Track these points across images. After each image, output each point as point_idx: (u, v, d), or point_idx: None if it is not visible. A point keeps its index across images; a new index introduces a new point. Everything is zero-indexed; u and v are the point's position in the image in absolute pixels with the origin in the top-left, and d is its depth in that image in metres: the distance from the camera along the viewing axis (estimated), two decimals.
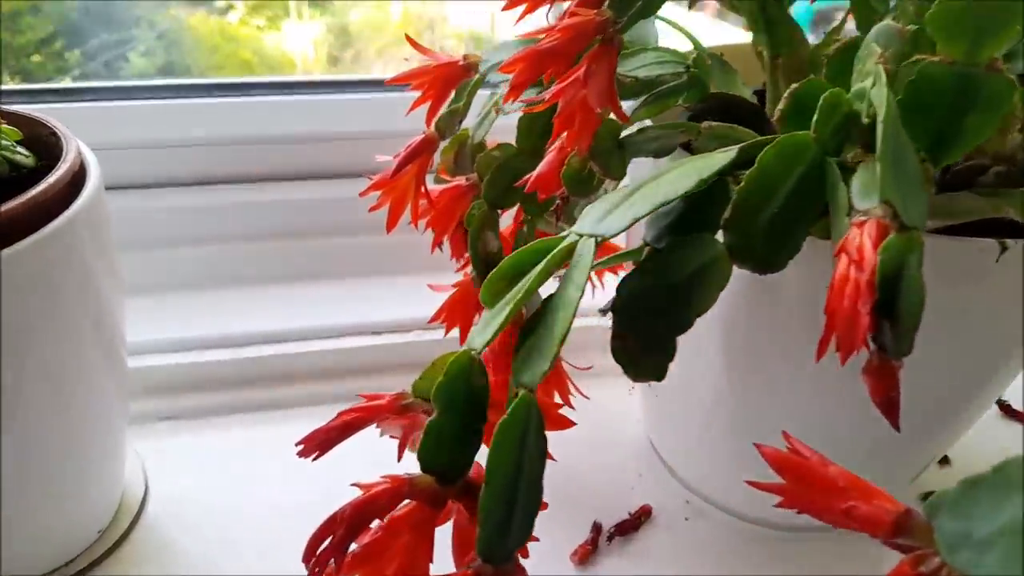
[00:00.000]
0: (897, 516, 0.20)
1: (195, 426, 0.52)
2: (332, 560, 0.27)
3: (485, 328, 0.27)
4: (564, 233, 0.27)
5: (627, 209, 0.26)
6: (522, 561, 0.27)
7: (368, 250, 0.61)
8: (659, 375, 0.27)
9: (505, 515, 0.25)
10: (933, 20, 0.25)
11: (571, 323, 0.24)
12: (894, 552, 0.21)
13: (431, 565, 0.27)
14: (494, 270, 0.28)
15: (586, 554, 0.45)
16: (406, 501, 0.27)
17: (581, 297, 0.25)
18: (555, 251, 0.26)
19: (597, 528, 0.47)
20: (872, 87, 0.25)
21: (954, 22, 0.25)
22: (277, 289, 0.60)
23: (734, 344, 0.39)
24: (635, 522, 0.48)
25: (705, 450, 0.47)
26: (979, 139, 0.27)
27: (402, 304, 0.58)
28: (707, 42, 0.45)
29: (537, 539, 0.28)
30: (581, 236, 0.26)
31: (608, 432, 0.54)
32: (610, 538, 0.46)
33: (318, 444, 0.31)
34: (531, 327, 0.27)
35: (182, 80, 0.59)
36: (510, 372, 0.30)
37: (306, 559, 0.26)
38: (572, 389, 0.48)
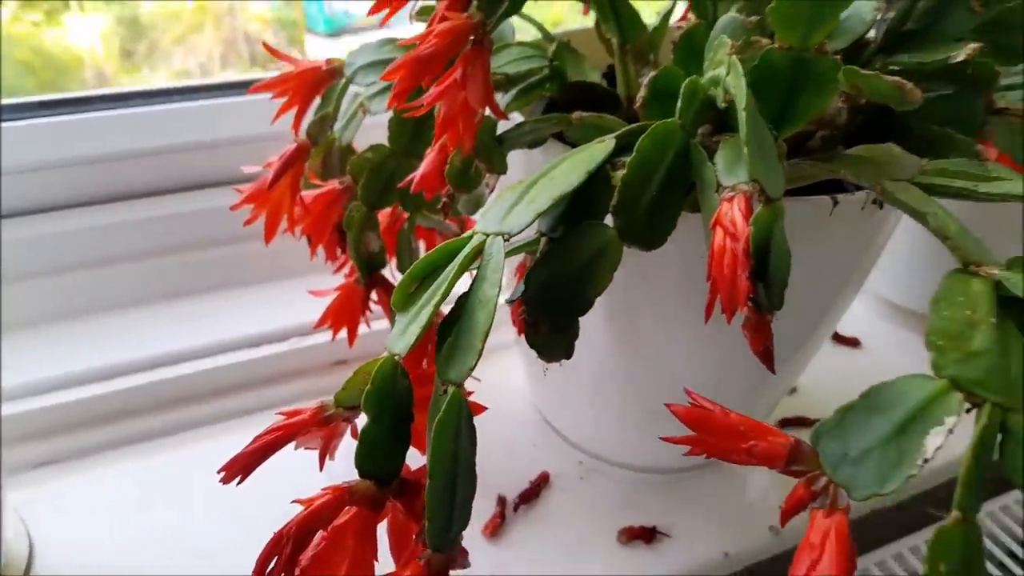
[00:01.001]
0: (789, 448, 0.24)
1: (77, 468, 0.49)
2: None
3: (405, 332, 0.28)
4: (468, 233, 0.29)
5: (528, 205, 0.28)
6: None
7: (242, 259, 0.59)
8: (568, 354, 0.30)
9: (448, 507, 0.26)
10: (775, 13, 0.29)
11: (492, 320, 0.26)
12: (755, 474, 0.24)
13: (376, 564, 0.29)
14: (405, 274, 0.29)
15: (496, 526, 0.48)
16: (347, 508, 0.28)
17: (499, 294, 0.26)
18: (466, 251, 0.28)
19: (502, 501, 0.49)
20: (728, 75, 0.29)
21: (792, 15, 0.29)
22: (152, 310, 0.57)
23: (615, 314, 0.42)
24: (536, 489, 0.50)
25: (592, 413, 0.51)
26: (814, 112, 0.32)
27: (285, 310, 0.57)
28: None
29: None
30: (488, 235, 0.28)
31: (499, 408, 0.56)
32: (515, 507, 0.49)
33: (240, 468, 0.30)
34: (450, 325, 0.28)
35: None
36: (423, 373, 0.31)
37: None
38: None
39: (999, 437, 0.23)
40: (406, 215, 0.45)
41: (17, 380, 0.50)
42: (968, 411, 0.23)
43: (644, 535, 0.48)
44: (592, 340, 0.44)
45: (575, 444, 0.53)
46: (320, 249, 0.47)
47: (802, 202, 0.36)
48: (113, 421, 0.51)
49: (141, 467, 0.50)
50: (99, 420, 0.50)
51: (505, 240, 0.28)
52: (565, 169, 0.29)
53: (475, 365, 0.26)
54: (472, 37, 0.32)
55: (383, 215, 0.46)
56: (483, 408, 0.37)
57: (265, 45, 0.41)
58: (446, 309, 0.29)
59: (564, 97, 0.44)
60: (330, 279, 0.49)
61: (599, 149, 0.30)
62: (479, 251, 0.28)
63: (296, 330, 0.56)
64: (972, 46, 0.34)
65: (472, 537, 0.47)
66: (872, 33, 0.39)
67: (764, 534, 0.49)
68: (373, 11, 0.36)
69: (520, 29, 0.44)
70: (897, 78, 0.29)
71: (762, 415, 0.53)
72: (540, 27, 0.46)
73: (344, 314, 0.47)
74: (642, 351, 0.44)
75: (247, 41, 0.99)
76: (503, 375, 0.59)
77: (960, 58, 0.34)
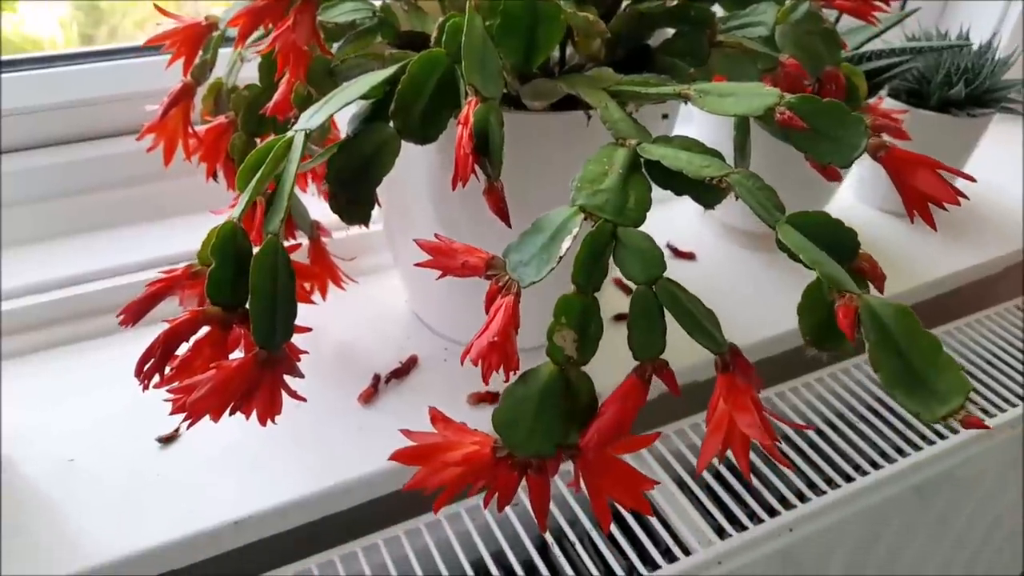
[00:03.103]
0: (488, 260, 0.35)
1: (29, 360, 0.60)
2: (156, 375, 0.38)
3: (240, 203, 0.39)
4: (285, 134, 0.40)
5: (325, 109, 0.39)
6: (318, 406, 0.40)
7: (153, 197, 0.70)
8: (364, 220, 0.41)
9: (270, 317, 0.38)
10: None
11: (293, 186, 0.38)
12: None
13: None
14: (242, 164, 0.40)
15: (370, 395, 0.59)
16: (204, 329, 0.39)
17: (296, 170, 0.38)
18: (278, 145, 0.39)
19: (376, 377, 0.61)
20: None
21: None
22: (84, 239, 0.68)
23: (441, 215, 0.53)
24: (406, 368, 0.62)
25: (451, 304, 0.62)
26: (551, 44, 0.43)
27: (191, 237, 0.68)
28: None
29: (306, 352, 0.42)
30: (296, 132, 0.39)
31: (381, 313, 0.68)
32: (387, 380, 0.61)
33: (133, 313, 0.42)
34: (270, 199, 0.39)
35: None
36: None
37: (136, 374, 0.38)
38: (344, 277, 0.62)
39: (613, 244, 0.35)
40: None
41: None
42: (593, 226, 0.35)
43: (489, 398, 0.60)
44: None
45: (440, 334, 0.65)
46: (213, 181, 0.57)
47: (566, 115, 0.47)
48: (55, 324, 0.62)
49: (81, 361, 0.61)
50: (44, 324, 0.61)
51: (308, 135, 0.39)
52: (356, 84, 0.40)
53: (284, 218, 0.38)
54: None
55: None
56: (319, 273, 0.49)
57: (156, 6, 0.51)
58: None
59: (401, 44, 0.55)
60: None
61: (384, 72, 0.41)
62: (289, 144, 0.39)
63: None
64: None
65: (349, 404, 0.59)
66: None
67: None
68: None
69: None
70: (587, 15, 0.41)
71: None
72: None
73: None
74: (468, 235, 0.56)
75: None
76: (387, 291, 0.70)
77: (674, 3, 0.46)
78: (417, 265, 0.37)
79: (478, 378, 0.64)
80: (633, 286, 0.35)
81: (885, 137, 0.38)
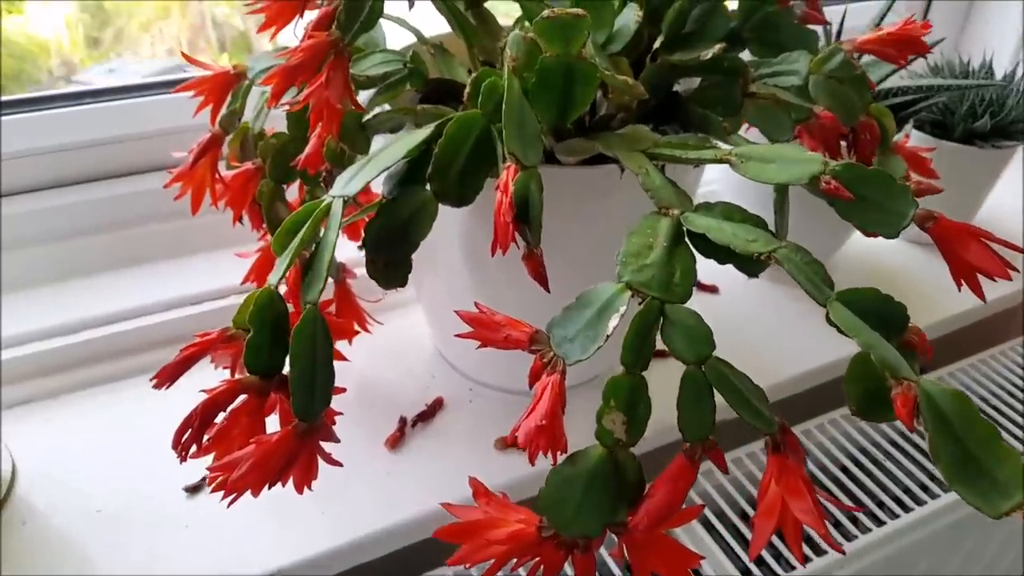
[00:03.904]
0: (531, 334, 0.35)
1: (52, 405, 0.60)
2: (193, 445, 0.38)
3: (277, 269, 0.39)
4: (323, 198, 0.40)
5: (363, 175, 0.39)
6: (345, 452, 0.40)
7: (180, 233, 0.70)
8: (402, 283, 0.41)
9: (309, 388, 0.37)
10: (537, 28, 0.40)
11: (332, 256, 0.37)
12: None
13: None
14: (279, 228, 0.40)
15: (396, 440, 0.59)
16: (241, 396, 0.39)
17: (336, 239, 0.37)
18: (317, 210, 0.39)
19: (403, 420, 0.61)
20: (505, 76, 0.40)
21: (549, 30, 0.40)
22: (109, 277, 0.68)
23: (471, 264, 0.53)
24: (432, 411, 0.62)
25: (473, 347, 0.62)
26: (586, 102, 0.43)
27: (218, 275, 0.68)
28: (435, 30, 0.58)
29: (341, 413, 0.42)
30: (334, 198, 0.39)
31: (405, 350, 0.68)
32: (413, 424, 0.60)
33: (168, 376, 0.41)
34: (309, 264, 0.39)
35: None
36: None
37: (174, 446, 0.38)
38: (369, 319, 0.61)
39: (661, 321, 0.34)
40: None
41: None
42: (640, 304, 0.34)
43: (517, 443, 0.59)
44: (465, 284, 0.55)
45: (465, 374, 0.65)
46: (248, 222, 0.57)
47: (596, 169, 0.47)
48: (81, 367, 0.62)
49: (104, 405, 0.61)
50: (70, 366, 0.61)
51: (346, 202, 0.39)
52: (392, 148, 0.40)
53: (323, 289, 0.37)
54: (332, 50, 0.43)
55: (294, 188, 0.57)
56: (355, 332, 0.49)
57: (184, 55, 0.51)
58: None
59: (430, 92, 0.54)
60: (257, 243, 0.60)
61: (420, 133, 0.41)
62: (328, 210, 0.39)
63: (232, 289, 0.67)
64: (717, 47, 0.46)
65: (375, 447, 0.59)
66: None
67: None
68: (261, 30, 0.46)
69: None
70: (624, 77, 0.40)
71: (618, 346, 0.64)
72: (416, 32, 0.57)
73: (265, 271, 0.58)
74: (503, 291, 0.55)
75: (215, 26, 1.00)
76: (410, 325, 0.70)
77: (708, 56, 0.46)
78: (458, 336, 0.37)
79: (505, 421, 0.65)
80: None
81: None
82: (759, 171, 0.37)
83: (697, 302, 0.77)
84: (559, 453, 0.33)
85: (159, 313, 0.65)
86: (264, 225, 0.58)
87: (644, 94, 0.41)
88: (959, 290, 0.37)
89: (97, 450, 0.57)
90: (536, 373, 0.35)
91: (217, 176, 0.54)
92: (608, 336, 0.33)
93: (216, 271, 0.68)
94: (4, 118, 0.61)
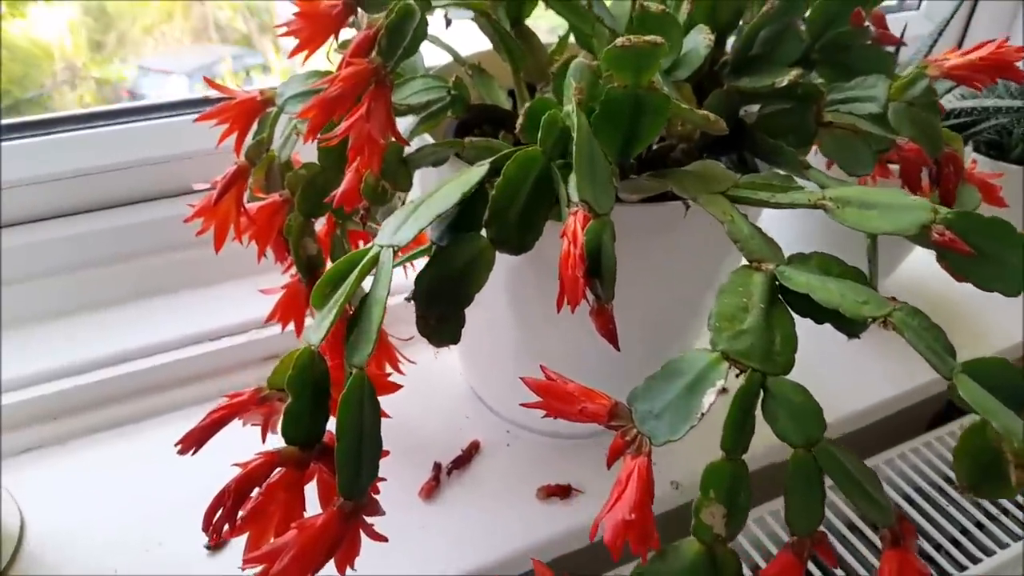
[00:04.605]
0: (610, 408, 0.31)
1: (60, 452, 0.56)
2: (226, 525, 0.34)
3: (319, 326, 0.35)
4: (369, 245, 0.36)
5: (414, 222, 0.35)
6: (379, 500, 0.36)
7: (198, 262, 0.66)
8: (454, 340, 0.37)
9: (356, 463, 0.33)
10: (607, 58, 0.36)
11: (383, 316, 0.33)
12: None
13: (304, 514, 0.36)
14: (320, 279, 0.36)
15: (431, 489, 0.55)
16: (278, 469, 0.35)
17: (388, 295, 0.33)
18: (364, 261, 0.35)
19: (437, 467, 0.57)
20: (572, 111, 0.36)
21: (620, 59, 0.36)
22: (118, 311, 0.64)
23: (515, 303, 0.49)
24: (468, 456, 0.58)
25: (515, 386, 0.57)
26: (652, 136, 0.39)
27: (237, 307, 0.64)
28: (471, 47, 0.54)
29: (384, 479, 0.37)
30: (382, 247, 0.35)
31: (436, 387, 0.64)
32: (449, 472, 0.56)
33: (194, 441, 0.37)
34: (355, 320, 0.35)
35: None
36: (342, 355, 0.38)
37: (205, 528, 0.33)
38: (400, 357, 0.57)
39: (761, 395, 0.30)
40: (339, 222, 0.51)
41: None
42: (738, 376, 0.30)
43: (560, 492, 0.55)
44: (507, 323, 0.51)
45: (502, 415, 0.61)
46: (270, 250, 0.53)
47: (662, 206, 0.43)
48: (91, 410, 0.57)
49: (117, 450, 0.57)
50: (77, 409, 0.57)
51: (396, 251, 0.34)
52: (445, 191, 0.36)
53: (372, 351, 0.33)
54: (373, 79, 0.39)
55: (321, 221, 0.53)
56: (397, 387, 0.45)
57: (207, 79, 0.47)
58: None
59: (470, 118, 0.50)
60: (280, 275, 0.56)
61: (475, 173, 0.37)
62: (376, 260, 0.35)
63: (254, 323, 0.63)
64: (794, 73, 0.41)
65: (409, 496, 0.55)
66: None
67: (666, 489, 0.57)
68: (293, 54, 0.42)
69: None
70: (705, 112, 0.36)
71: None
72: (453, 52, 0.53)
73: (291, 309, 0.54)
74: (548, 332, 0.51)
75: (218, 29, 0.99)
76: (441, 359, 0.66)
77: (784, 83, 0.41)
78: (524, 405, 0.33)
79: (546, 466, 0.61)
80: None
81: None
82: (860, 219, 0.33)
83: None
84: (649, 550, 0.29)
85: (175, 350, 0.60)
86: (289, 257, 0.55)
87: (725, 130, 0.37)
88: None
89: (111, 501, 0.53)
90: (616, 452, 0.31)
91: (241, 208, 0.50)
92: (703, 414, 0.29)
93: (237, 303, 0.64)
94: (4, 144, 0.57)
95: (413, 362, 0.60)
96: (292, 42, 0.42)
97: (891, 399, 0.68)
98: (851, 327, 0.33)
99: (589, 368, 0.52)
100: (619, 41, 0.34)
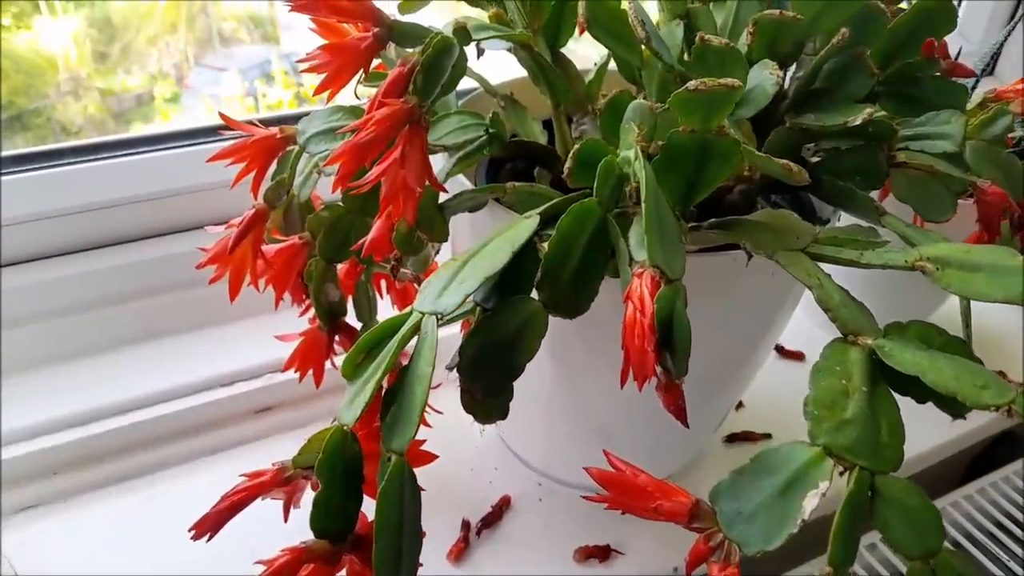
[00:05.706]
0: (691, 507, 0.27)
1: (58, 510, 0.52)
2: None
3: (352, 403, 0.31)
4: (408, 310, 0.32)
5: (459, 286, 0.31)
6: None
7: (206, 301, 0.62)
8: (503, 415, 0.33)
9: (395, 563, 0.29)
10: (675, 103, 0.32)
11: (428, 394, 0.29)
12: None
13: None
14: (353, 346, 0.32)
15: (460, 551, 0.51)
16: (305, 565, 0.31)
17: (433, 371, 0.29)
18: (404, 330, 0.31)
19: (466, 525, 0.53)
20: (635, 161, 0.32)
21: (689, 103, 0.32)
22: (120, 355, 0.60)
23: (553, 351, 0.45)
24: (498, 513, 0.54)
25: (547, 439, 0.54)
26: (718, 182, 0.35)
27: (251, 349, 0.60)
28: (502, 72, 0.50)
29: (422, 564, 0.33)
30: (424, 314, 0.31)
31: (462, 436, 0.59)
32: (478, 532, 0.52)
33: (210, 526, 0.33)
34: (393, 396, 0.31)
35: None
36: (373, 428, 0.34)
37: None
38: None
39: (870, 495, 0.26)
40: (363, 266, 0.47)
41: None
42: (841, 474, 0.26)
43: (599, 553, 0.51)
44: (544, 375, 0.47)
45: (534, 467, 0.57)
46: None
47: (724, 255, 0.39)
48: (93, 464, 0.53)
49: (124, 507, 0.53)
50: (79, 463, 0.53)
51: (439, 320, 0.31)
52: (493, 248, 0.32)
53: (414, 435, 0.29)
54: (408, 120, 0.35)
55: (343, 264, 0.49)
56: (433, 456, 0.41)
57: (222, 115, 0.43)
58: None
59: (505, 155, 0.46)
60: (297, 315, 0.52)
61: (525, 227, 0.33)
62: (416, 329, 0.31)
63: (270, 366, 0.59)
64: (867, 111, 0.38)
65: (437, 559, 0.51)
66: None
67: None
68: (317, 92, 0.38)
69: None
70: (785, 161, 0.32)
71: (709, 431, 0.56)
72: (484, 82, 0.49)
73: (310, 358, 0.50)
74: (588, 386, 0.47)
75: (222, 40, 0.99)
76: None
77: (856, 122, 0.38)
78: (586, 498, 0.29)
79: (582, 524, 0.57)
80: None
81: None
82: (964, 283, 0.29)
83: (779, 370, 0.68)
84: None
85: (186, 396, 0.56)
86: (307, 299, 0.51)
87: (807, 180, 0.33)
88: None
89: (117, 563, 0.49)
90: (698, 559, 0.27)
91: (259, 253, 0.46)
92: (804, 521, 0.25)
93: (251, 343, 0.60)
94: (5, 178, 0.53)
95: (440, 412, 0.56)
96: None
97: (942, 445, 0.64)
98: (960, 409, 0.29)
99: (627, 419, 0.49)
100: (691, 84, 0.30)
